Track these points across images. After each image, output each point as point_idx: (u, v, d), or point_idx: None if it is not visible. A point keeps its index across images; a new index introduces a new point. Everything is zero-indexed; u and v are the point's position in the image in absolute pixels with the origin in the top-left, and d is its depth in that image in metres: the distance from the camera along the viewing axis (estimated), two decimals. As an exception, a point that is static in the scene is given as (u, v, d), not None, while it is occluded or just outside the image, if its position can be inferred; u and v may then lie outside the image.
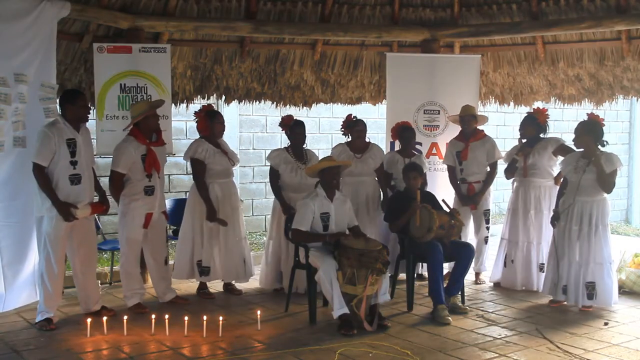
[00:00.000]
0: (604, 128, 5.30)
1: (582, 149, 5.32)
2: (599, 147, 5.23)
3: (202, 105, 5.80)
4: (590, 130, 5.25)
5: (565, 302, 5.38)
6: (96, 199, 5.08)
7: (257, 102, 7.45)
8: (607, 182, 5.16)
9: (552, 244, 5.46)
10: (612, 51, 6.74)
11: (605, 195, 5.25)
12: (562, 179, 5.57)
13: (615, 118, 13.39)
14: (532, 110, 6.13)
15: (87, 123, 4.92)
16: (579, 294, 5.24)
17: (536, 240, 5.89)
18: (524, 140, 5.96)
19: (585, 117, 5.41)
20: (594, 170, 5.14)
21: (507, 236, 6.05)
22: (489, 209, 6.22)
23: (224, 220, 5.56)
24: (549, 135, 5.98)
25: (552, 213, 5.52)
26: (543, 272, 5.77)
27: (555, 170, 5.88)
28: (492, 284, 6.21)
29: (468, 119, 6.17)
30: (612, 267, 5.30)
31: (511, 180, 6.10)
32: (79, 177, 4.75)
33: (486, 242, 6.18)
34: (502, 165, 6.18)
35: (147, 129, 5.18)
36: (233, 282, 5.90)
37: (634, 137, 13.66)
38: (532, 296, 5.75)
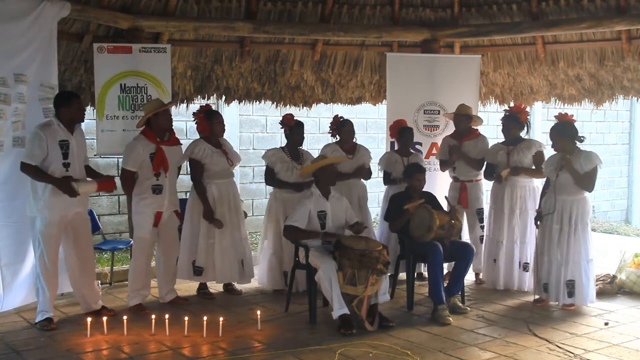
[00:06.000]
0: (576, 125, 5.31)
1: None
2: (577, 144, 5.24)
3: (200, 106, 5.80)
4: (564, 132, 5.27)
5: (548, 301, 5.42)
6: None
7: (257, 102, 7.45)
8: (584, 182, 5.18)
9: (535, 243, 5.48)
10: (612, 51, 6.74)
11: (586, 194, 5.27)
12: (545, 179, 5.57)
13: (615, 118, 13.40)
14: (509, 109, 6.12)
15: (82, 124, 4.93)
16: (559, 292, 5.26)
17: (519, 239, 5.88)
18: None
19: (555, 120, 5.42)
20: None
21: (491, 235, 6.05)
22: (482, 208, 6.22)
23: (219, 222, 5.53)
24: (532, 136, 5.96)
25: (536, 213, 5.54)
26: (527, 271, 5.82)
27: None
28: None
29: (461, 118, 6.17)
30: (590, 266, 5.29)
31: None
32: (71, 179, 4.72)
33: (482, 241, 6.14)
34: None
35: (158, 127, 5.19)
36: (234, 283, 5.90)
37: (634, 137, 13.67)
38: (530, 296, 5.75)
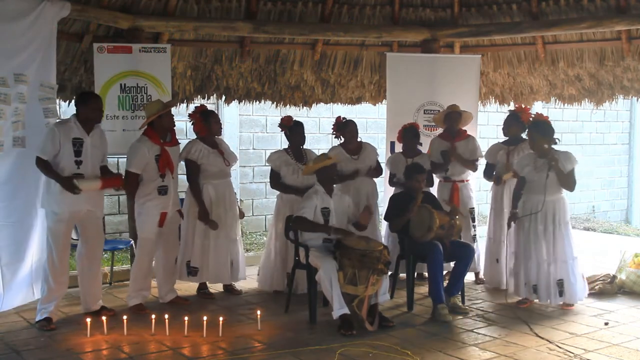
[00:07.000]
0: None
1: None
2: (553, 146, 5.27)
3: (195, 107, 5.80)
4: (542, 131, 5.28)
5: (537, 301, 5.42)
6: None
7: (257, 102, 7.45)
8: (568, 182, 5.23)
9: (515, 245, 5.48)
10: (612, 51, 6.74)
11: (564, 193, 5.31)
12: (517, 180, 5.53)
13: (615, 118, 13.40)
14: (514, 109, 6.15)
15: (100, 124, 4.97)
16: (550, 293, 5.26)
17: None
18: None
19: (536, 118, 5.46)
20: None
21: (492, 235, 6.06)
22: (473, 208, 6.23)
23: (215, 223, 5.51)
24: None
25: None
26: None
27: None
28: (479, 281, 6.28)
29: (454, 116, 6.17)
30: (576, 264, 5.31)
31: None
32: (82, 177, 4.74)
33: (474, 240, 6.14)
34: (481, 167, 6.24)
35: (162, 128, 5.18)
36: (232, 283, 5.89)
37: (634, 137, 13.67)
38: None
